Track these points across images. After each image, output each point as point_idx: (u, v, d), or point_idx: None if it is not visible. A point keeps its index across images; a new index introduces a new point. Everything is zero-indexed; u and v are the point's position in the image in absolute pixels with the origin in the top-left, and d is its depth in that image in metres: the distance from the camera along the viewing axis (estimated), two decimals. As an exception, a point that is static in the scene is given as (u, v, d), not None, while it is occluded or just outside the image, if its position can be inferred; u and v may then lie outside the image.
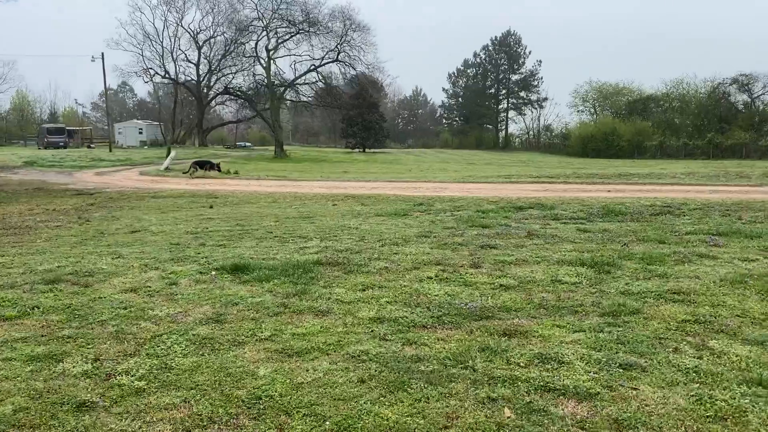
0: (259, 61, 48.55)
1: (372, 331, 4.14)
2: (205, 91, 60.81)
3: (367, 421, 2.83)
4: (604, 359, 3.50)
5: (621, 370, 3.35)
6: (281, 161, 33.13)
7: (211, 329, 4.23)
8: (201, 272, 5.98)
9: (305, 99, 49.72)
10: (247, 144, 71.34)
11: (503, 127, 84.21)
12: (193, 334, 4.10)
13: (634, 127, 53.49)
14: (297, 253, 6.89)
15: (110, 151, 44.26)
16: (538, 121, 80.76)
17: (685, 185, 14.67)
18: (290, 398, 3.09)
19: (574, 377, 3.27)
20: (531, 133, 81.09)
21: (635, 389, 3.12)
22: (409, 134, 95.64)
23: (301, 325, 4.27)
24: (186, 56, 60.19)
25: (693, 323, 4.14)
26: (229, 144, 68.80)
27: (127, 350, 3.84)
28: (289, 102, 52.17)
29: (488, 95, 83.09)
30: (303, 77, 48.98)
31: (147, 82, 63.22)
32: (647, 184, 15.22)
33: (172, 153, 26.84)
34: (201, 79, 59.96)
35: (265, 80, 46.63)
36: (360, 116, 56.99)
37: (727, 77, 54.08)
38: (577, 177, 17.68)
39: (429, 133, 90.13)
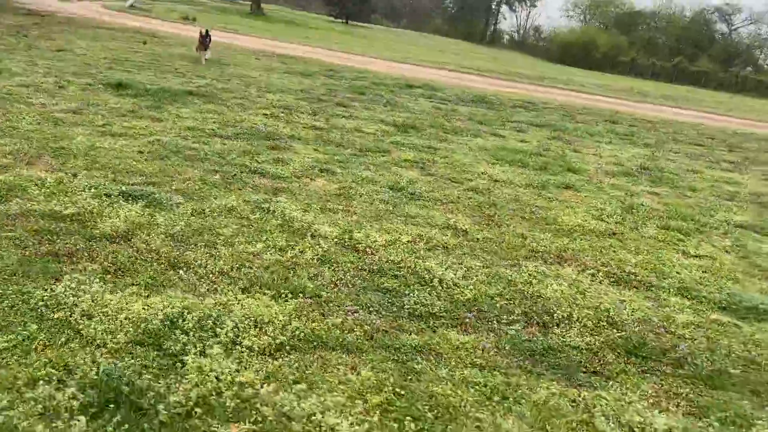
0: None
1: (180, 133, 5.72)
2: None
3: (120, 166, 4.47)
4: (317, 164, 5.17)
5: (322, 173, 5.03)
6: (253, 18, 33.18)
7: (65, 115, 5.76)
8: (89, 84, 7.43)
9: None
10: (233, -4, 69.05)
11: (494, 21, 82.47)
12: (50, 115, 5.64)
13: (611, 41, 53.55)
14: (180, 85, 8.32)
15: (86, -20, 43.19)
16: (526, 20, 79.21)
17: (580, 92, 16.14)
18: (83, 147, 4.70)
19: (280, 170, 4.92)
20: (520, 32, 79.80)
21: (311, 180, 4.82)
22: (405, 15, 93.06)
23: (132, 122, 5.83)
24: None
25: (409, 162, 5.82)
26: (214, -7, 66.53)
27: (-6, 116, 5.37)
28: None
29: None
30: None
31: None
32: (552, 87, 16.62)
33: (140, -9, 26.90)
34: None
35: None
36: (347, -15, 55.36)
37: (712, 4, 53.91)
38: (501, 74, 18.92)
39: (425, 17, 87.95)
